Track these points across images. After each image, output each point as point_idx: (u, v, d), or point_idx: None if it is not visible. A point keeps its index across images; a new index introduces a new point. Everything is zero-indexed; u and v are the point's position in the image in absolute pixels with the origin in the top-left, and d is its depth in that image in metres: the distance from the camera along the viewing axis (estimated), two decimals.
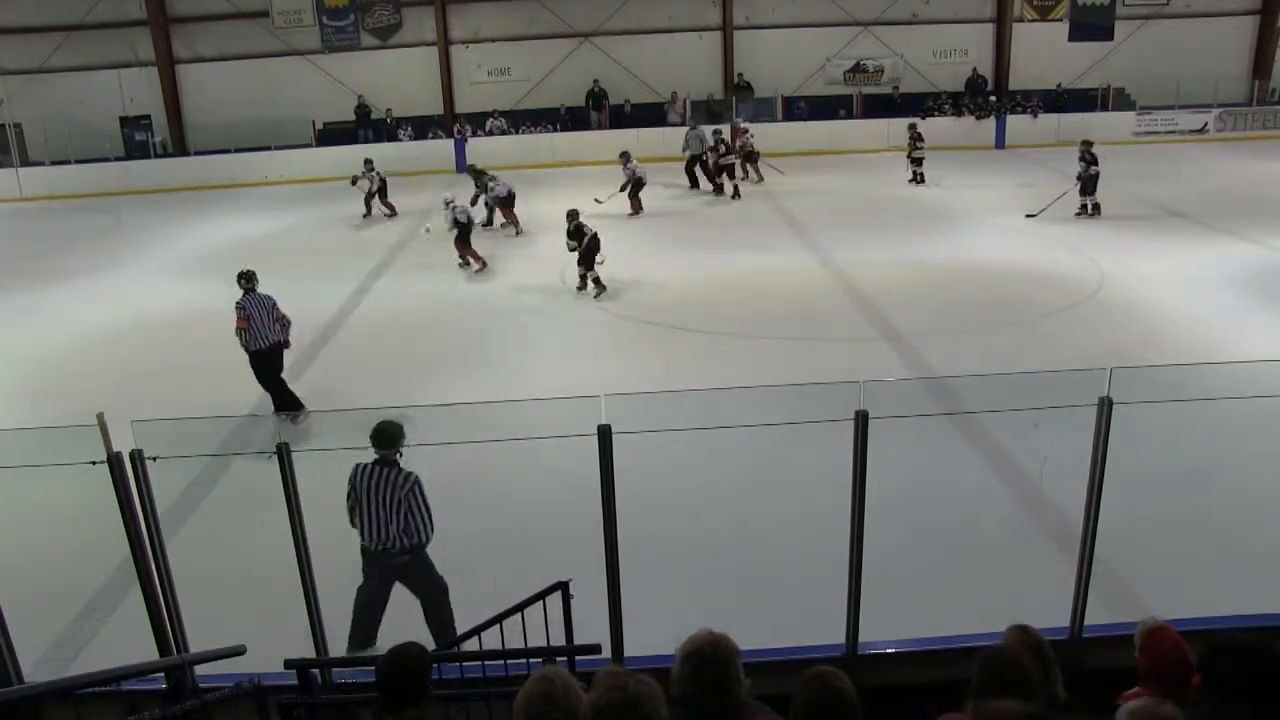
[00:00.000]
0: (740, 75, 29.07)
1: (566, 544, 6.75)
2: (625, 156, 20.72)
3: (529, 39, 28.91)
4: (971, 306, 13.77)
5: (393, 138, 27.78)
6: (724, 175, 22.37)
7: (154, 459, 5.02)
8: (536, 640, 5.28)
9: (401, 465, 6.32)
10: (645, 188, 20.74)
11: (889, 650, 5.56)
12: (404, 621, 6.37)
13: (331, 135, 28.15)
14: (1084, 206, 18.92)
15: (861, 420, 4.90)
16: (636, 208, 20.64)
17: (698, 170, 23.30)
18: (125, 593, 5.72)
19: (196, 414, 6.48)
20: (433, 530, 6.38)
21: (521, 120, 28.38)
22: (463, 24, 28.92)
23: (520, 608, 5.28)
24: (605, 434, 4.93)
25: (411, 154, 26.54)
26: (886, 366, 11.40)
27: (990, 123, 28.17)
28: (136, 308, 15.38)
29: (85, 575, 7.47)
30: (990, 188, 22.43)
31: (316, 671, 5.25)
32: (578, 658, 5.04)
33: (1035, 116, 28.16)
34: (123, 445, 5.00)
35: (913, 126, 23.49)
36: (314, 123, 28.25)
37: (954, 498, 8.48)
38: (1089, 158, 18.66)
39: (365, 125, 28.30)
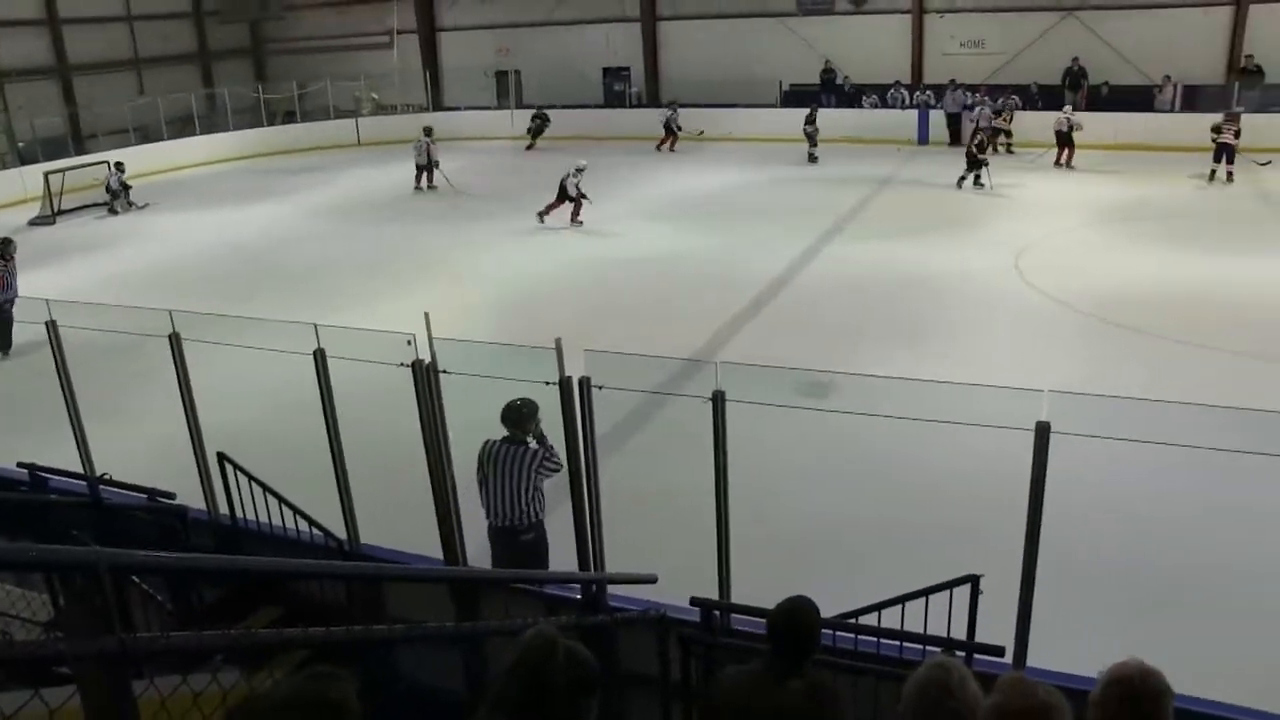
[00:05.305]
0: (1250, 57, 25.72)
1: (979, 537, 6.53)
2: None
3: (1009, 10, 27.39)
4: None
5: (855, 104, 27.66)
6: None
7: (599, 387, 5.41)
8: (936, 629, 5.12)
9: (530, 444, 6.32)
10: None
11: None
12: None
13: (795, 97, 28.53)
14: None
15: None
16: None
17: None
18: (558, 507, 6.24)
19: (641, 352, 6.86)
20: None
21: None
22: None
23: (926, 593, 5.13)
24: (1043, 432, 4.64)
25: (872, 122, 26.23)
26: None
27: None
28: (600, 245, 16.63)
29: None
30: None
31: (718, 613, 5.42)
32: (977, 656, 4.85)
33: None
34: (574, 371, 5.43)
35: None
36: (780, 84, 28.83)
37: None
38: None
39: (829, 90, 28.44)
